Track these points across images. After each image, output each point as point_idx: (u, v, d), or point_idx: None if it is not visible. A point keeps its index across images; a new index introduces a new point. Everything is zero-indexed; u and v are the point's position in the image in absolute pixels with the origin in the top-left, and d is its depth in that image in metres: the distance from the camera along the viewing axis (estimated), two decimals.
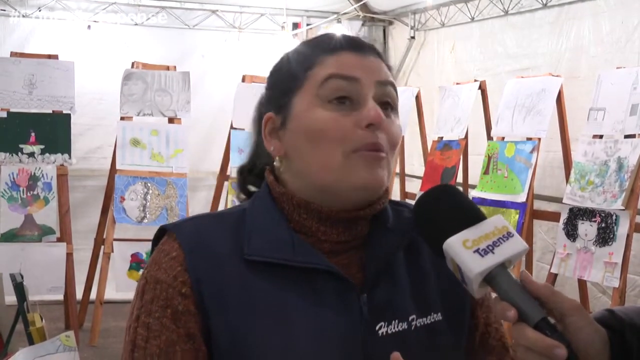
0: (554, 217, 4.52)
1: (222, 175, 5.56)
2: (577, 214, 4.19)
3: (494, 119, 5.07)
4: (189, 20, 6.99)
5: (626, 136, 4.06)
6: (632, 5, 4.77)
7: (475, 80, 5.34)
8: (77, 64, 5.22)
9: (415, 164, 6.52)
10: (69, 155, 5.05)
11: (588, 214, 4.13)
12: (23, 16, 6.46)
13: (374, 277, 1.06)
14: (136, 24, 6.79)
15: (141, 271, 4.84)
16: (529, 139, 4.65)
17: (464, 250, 0.91)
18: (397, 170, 6.12)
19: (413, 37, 7.03)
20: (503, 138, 4.89)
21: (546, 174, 5.20)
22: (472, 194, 5.00)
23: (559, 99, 4.58)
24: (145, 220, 5.16)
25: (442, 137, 5.47)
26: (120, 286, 5.07)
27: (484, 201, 4.79)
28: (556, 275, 4.34)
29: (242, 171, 1.19)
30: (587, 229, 4.11)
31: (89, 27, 6.65)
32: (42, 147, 5.01)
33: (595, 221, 4.08)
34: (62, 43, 6.21)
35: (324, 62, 1.06)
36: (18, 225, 4.91)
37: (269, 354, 1.00)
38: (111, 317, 5.19)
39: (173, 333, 1.01)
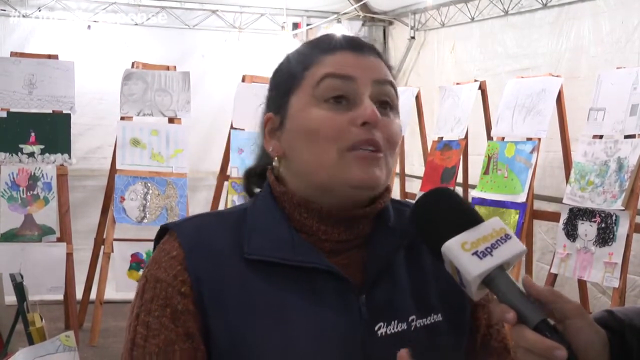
0: (554, 217, 4.52)
1: (222, 175, 5.55)
2: (577, 214, 4.19)
3: (494, 119, 5.07)
4: (189, 20, 6.99)
5: (626, 136, 4.05)
6: (632, 5, 4.77)
7: (475, 81, 5.34)
8: (77, 64, 5.22)
9: (415, 164, 6.52)
10: (69, 155, 5.05)
11: (588, 214, 4.12)
12: (23, 16, 6.46)
13: (375, 277, 1.06)
14: (136, 24, 6.79)
15: (141, 271, 4.85)
16: (529, 139, 4.65)
17: (463, 253, 0.91)
18: (397, 170, 6.12)
19: (413, 37, 7.03)
20: (503, 138, 4.89)
21: (546, 174, 5.20)
22: (472, 194, 5.00)
23: (559, 99, 4.58)
24: (145, 220, 5.16)
25: (442, 137, 5.47)
26: (120, 286, 5.07)
27: (484, 201, 4.79)
28: (556, 275, 4.34)
29: (248, 174, 1.19)
30: (587, 229, 4.11)
31: (89, 27, 6.65)
32: (42, 147, 5.01)
33: (595, 221, 4.07)
34: (62, 43, 6.21)
35: (321, 62, 1.07)
36: (18, 225, 4.91)
37: (268, 354, 1.00)
38: (111, 317, 5.19)
39: (172, 332, 1.01)
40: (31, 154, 4.99)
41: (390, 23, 7.49)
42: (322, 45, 1.09)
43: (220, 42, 7.09)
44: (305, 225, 1.07)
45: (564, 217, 4.27)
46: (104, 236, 5.21)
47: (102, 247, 5.20)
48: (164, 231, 1.09)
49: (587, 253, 4.09)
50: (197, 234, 1.06)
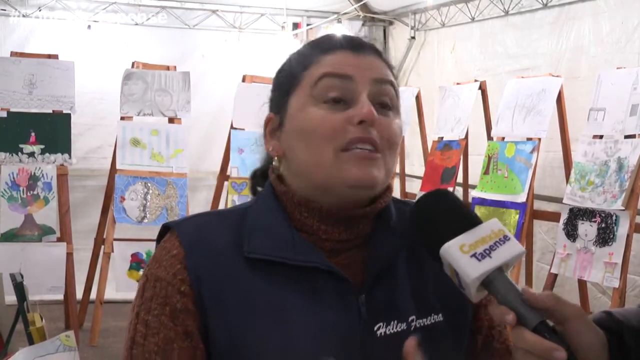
0: (554, 217, 4.52)
1: (222, 175, 5.55)
2: (577, 214, 4.19)
3: (494, 119, 5.07)
4: (189, 20, 6.99)
5: (626, 136, 4.06)
6: (632, 5, 4.77)
7: (476, 81, 5.34)
8: (77, 63, 5.22)
9: (415, 164, 6.52)
10: (69, 155, 5.05)
11: (588, 214, 4.13)
12: (23, 16, 6.46)
13: (375, 277, 1.06)
14: (136, 24, 6.79)
15: (141, 271, 4.85)
16: (529, 139, 4.65)
17: (461, 255, 0.91)
18: (397, 170, 6.12)
19: (413, 37, 7.03)
20: (503, 138, 4.89)
21: (546, 174, 5.20)
22: (472, 194, 5.00)
23: (559, 99, 4.58)
24: (146, 220, 5.16)
25: (442, 137, 5.47)
26: (120, 286, 5.07)
27: (484, 201, 4.79)
28: (556, 275, 4.34)
29: (253, 174, 1.20)
30: (587, 229, 4.11)
31: (89, 27, 6.64)
32: (42, 147, 5.01)
33: (595, 221, 4.08)
34: (62, 43, 6.21)
35: (320, 62, 1.07)
36: (18, 225, 4.91)
37: (267, 353, 1.00)
38: (111, 317, 5.19)
39: (171, 331, 1.02)
40: (31, 154, 4.99)
41: (391, 23, 7.48)
42: (322, 45, 1.09)
43: (221, 42, 7.09)
44: (305, 225, 1.07)
45: (564, 217, 4.27)
46: (104, 236, 5.21)
47: (102, 247, 5.19)
48: (165, 230, 1.09)
49: (587, 253, 4.09)
50: (198, 232, 1.06)
